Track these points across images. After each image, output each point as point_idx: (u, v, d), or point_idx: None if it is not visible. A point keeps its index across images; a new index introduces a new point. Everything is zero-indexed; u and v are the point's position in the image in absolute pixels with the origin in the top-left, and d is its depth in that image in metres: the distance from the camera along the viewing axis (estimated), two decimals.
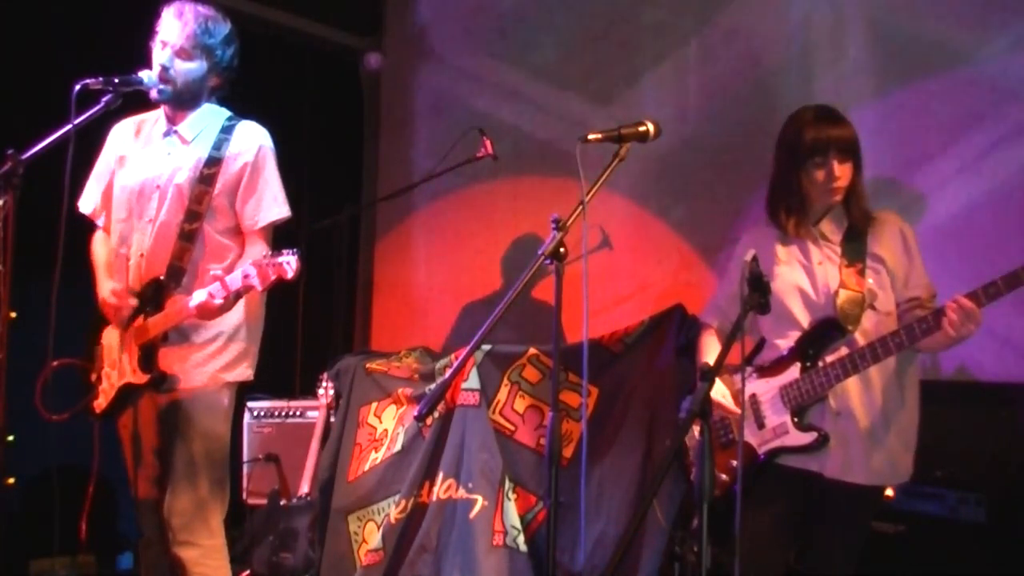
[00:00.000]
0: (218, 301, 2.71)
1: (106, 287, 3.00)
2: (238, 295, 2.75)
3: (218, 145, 2.97)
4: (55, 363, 3.01)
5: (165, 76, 2.90)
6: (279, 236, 3.08)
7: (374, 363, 4.15)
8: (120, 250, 3.01)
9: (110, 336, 3.01)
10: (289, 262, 2.64)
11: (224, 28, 2.98)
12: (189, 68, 2.93)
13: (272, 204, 2.99)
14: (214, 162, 2.95)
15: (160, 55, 2.91)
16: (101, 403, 2.99)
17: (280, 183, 3.03)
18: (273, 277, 2.64)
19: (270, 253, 2.71)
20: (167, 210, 2.94)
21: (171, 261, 2.91)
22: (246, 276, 2.66)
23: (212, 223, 2.96)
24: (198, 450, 2.94)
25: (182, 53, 2.91)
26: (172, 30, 2.90)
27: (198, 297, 2.73)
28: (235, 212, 2.98)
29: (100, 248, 3.13)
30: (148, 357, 2.88)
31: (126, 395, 2.94)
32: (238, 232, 3.00)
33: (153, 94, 2.92)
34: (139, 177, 3.01)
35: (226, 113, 3.06)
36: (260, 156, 2.99)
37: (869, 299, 2.69)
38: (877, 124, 3.82)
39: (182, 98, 2.96)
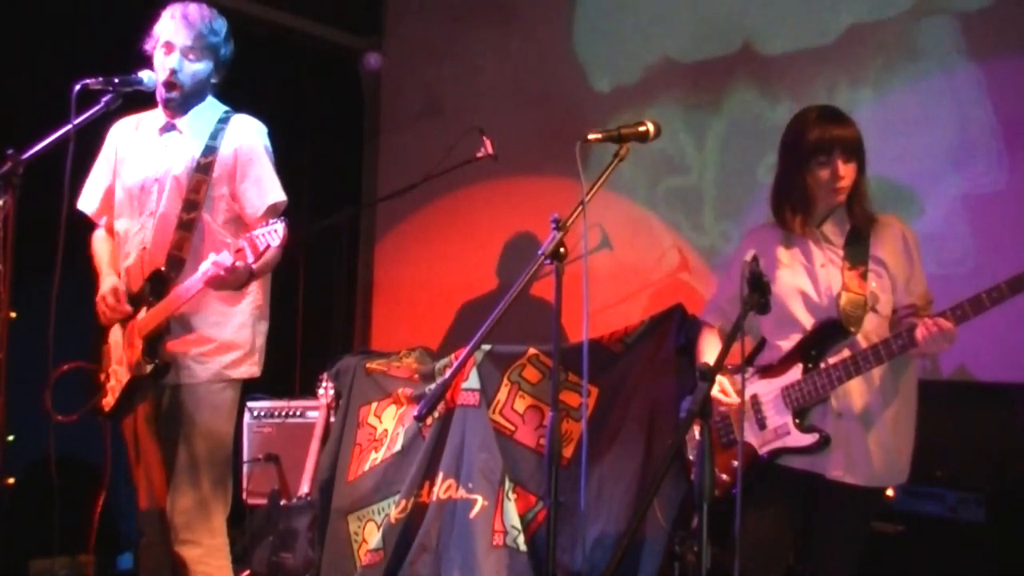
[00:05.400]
0: (222, 272, 2.69)
1: (107, 283, 3.00)
2: (235, 269, 2.71)
3: (214, 135, 2.98)
4: (65, 366, 3.02)
5: (175, 79, 2.90)
6: None
7: (374, 363, 4.15)
8: (125, 246, 3.02)
9: (116, 334, 3.01)
10: (276, 230, 2.64)
11: (223, 25, 3.01)
12: (197, 69, 2.94)
13: (269, 189, 3.01)
14: (210, 151, 2.96)
15: (168, 59, 2.91)
16: (109, 401, 2.98)
17: (273, 171, 3.05)
18: (262, 246, 2.64)
19: (261, 224, 2.71)
20: (166, 202, 2.95)
21: (170, 251, 2.91)
22: (238, 251, 2.66)
23: (211, 213, 2.96)
24: (200, 449, 2.94)
25: (190, 54, 2.92)
26: (178, 32, 2.90)
27: (203, 267, 2.72)
28: (234, 202, 2.98)
29: (101, 245, 3.13)
30: (153, 348, 2.88)
31: (134, 390, 2.93)
32: (238, 223, 3.00)
33: (160, 94, 2.93)
34: (139, 174, 3.01)
35: (223, 107, 3.07)
36: (255, 145, 3.01)
37: (871, 302, 2.69)
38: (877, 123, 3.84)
39: (189, 101, 2.98)
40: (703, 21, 4.56)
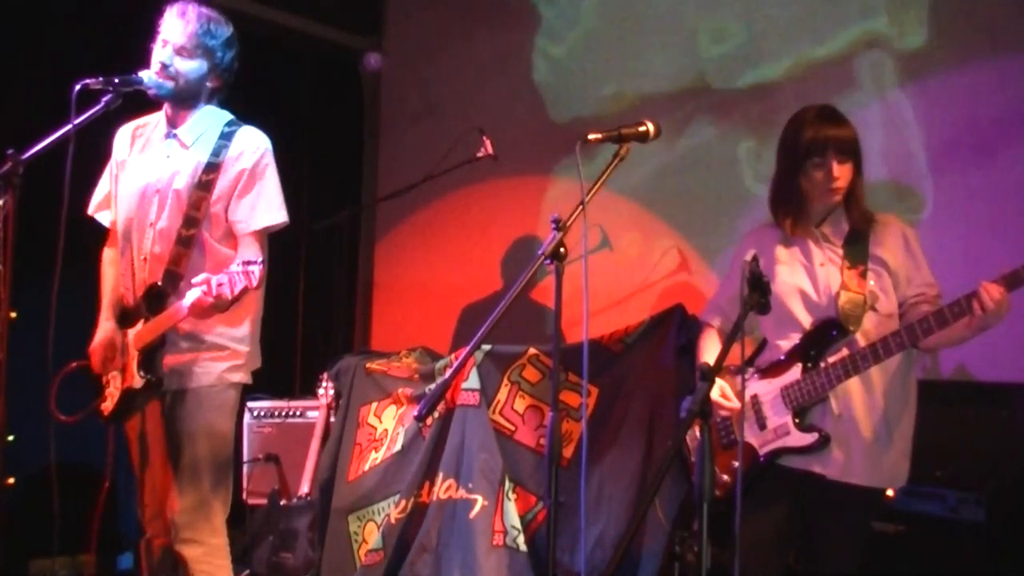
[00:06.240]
0: (210, 299, 2.68)
1: (102, 331, 3.01)
2: (222, 297, 2.70)
3: (217, 151, 2.95)
4: (74, 363, 3.02)
5: (164, 73, 2.89)
6: (279, 238, 3.07)
7: (374, 363, 4.14)
8: (125, 253, 3.01)
9: (118, 338, 3.01)
10: (252, 271, 2.65)
11: (226, 30, 2.98)
12: (189, 67, 2.92)
13: (265, 210, 2.97)
14: (212, 168, 2.94)
15: (161, 53, 2.91)
16: (108, 406, 2.99)
17: (279, 189, 3.01)
18: (241, 285, 2.64)
19: (242, 261, 2.71)
20: (167, 215, 2.94)
21: (168, 266, 2.90)
22: (220, 284, 2.65)
23: (211, 230, 2.95)
24: (203, 448, 2.94)
25: (183, 52, 2.90)
26: (174, 29, 2.90)
27: (191, 296, 2.73)
28: (226, 216, 2.96)
29: (107, 270, 3.11)
30: (148, 361, 2.88)
31: (129, 399, 2.93)
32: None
33: (151, 90, 2.91)
34: (140, 181, 3.00)
35: (227, 117, 3.05)
36: (258, 163, 2.97)
37: (871, 301, 2.69)
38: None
39: (180, 97, 2.95)
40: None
